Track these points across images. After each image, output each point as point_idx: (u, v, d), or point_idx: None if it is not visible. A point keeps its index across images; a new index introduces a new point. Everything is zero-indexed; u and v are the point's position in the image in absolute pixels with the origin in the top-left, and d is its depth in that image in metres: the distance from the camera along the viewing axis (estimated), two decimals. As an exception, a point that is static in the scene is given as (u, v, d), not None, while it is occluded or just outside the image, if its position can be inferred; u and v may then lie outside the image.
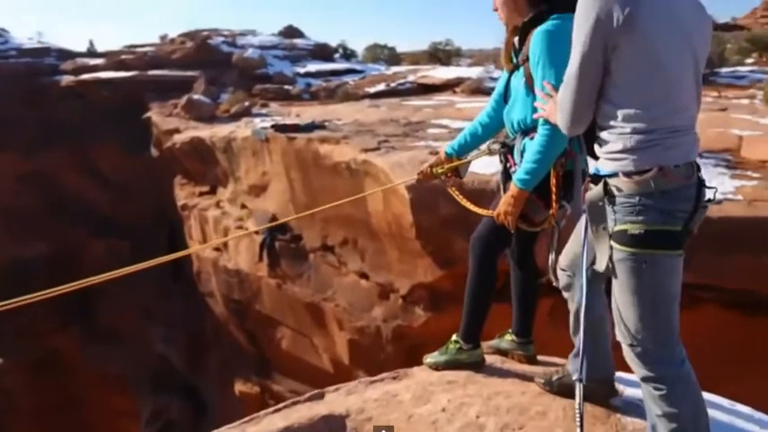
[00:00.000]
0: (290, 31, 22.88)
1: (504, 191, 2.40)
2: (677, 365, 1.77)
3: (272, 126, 11.31)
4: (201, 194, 14.56)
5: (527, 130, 2.34)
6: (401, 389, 2.55)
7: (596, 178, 1.83)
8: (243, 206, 12.51)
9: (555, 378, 2.40)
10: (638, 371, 1.80)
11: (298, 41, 22.07)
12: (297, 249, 10.65)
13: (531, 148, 2.26)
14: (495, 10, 2.40)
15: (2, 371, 20.52)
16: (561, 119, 1.86)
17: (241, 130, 12.56)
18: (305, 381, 10.97)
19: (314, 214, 10.17)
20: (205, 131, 13.91)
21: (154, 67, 19.49)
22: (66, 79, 20.04)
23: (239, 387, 13.28)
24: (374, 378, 2.72)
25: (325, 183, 9.58)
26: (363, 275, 9.40)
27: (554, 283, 2.28)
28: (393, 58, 23.50)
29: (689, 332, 2.03)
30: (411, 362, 2.94)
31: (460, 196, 2.65)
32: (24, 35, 24.01)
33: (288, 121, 11.79)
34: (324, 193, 9.66)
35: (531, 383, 2.48)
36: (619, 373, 2.34)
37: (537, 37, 2.20)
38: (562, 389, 2.35)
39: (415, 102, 14.24)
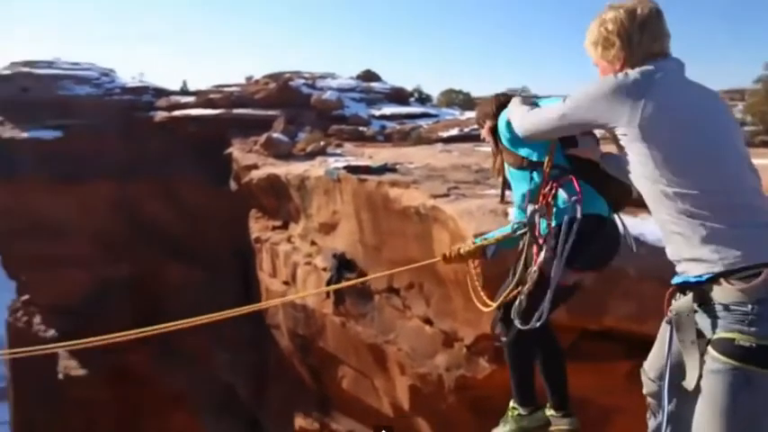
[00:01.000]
0: (368, 75, 23.65)
1: (527, 256, 2.42)
2: None
3: (345, 167, 11.63)
4: (274, 228, 15.07)
5: (532, 197, 2.38)
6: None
7: (685, 285, 1.63)
8: (313, 243, 12.83)
9: None
10: None
11: (374, 85, 22.77)
12: (363, 290, 10.76)
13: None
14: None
15: (84, 381, 21.69)
16: (518, 125, 2.10)
17: (315, 168, 13.00)
18: (364, 422, 10.91)
19: (381, 256, 10.31)
20: (281, 168, 14.48)
21: (238, 106, 20.64)
22: (160, 115, 21.59)
23: (299, 422, 13.37)
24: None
25: (394, 225, 9.69)
26: (428, 321, 9.34)
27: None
28: (467, 102, 23.75)
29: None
30: (474, 413, 2.89)
31: (476, 283, 2.64)
32: (128, 74, 26.27)
33: (360, 163, 12.09)
34: (392, 235, 9.77)
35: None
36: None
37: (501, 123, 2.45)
38: None
39: (488, 148, 14.21)
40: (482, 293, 2.55)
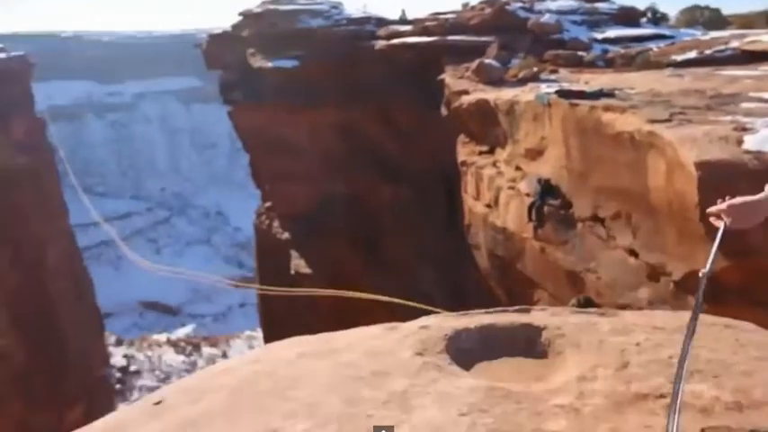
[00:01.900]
0: (593, -6, 21.86)
1: None
2: None
3: (556, 92, 11.30)
4: (480, 153, 15.40)
5: None
6: (603, 321, 2.71)
7: None
8: (517, 168, 12.90)
9: None
10: None
11: (600, 5, 20.99)
12: (566, 217, 10.67)
13: None
14: None
15: (310, 279, 25.27)
16: None
17: (525, 94, 12.83)
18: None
19: (587, 183, 10.05)
20: (491, 94, 14.55)
21: (453, 33, 20.85)
22: (380, 44, 22.92)
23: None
24: (580, 309, 2.94)
25: (604, 152, 9.33)
26: (632, 252, 9.01)
27: None
28: (715, 21, 20.58)
29: None
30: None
31: None
32: (354, 6, 28.24)
33: (574, 88, 11.62)
34: (601, 162, 9.43)
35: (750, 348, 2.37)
36: None
37: None
38: None
39: (733, 72, 12.45)
40: None
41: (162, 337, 61.69)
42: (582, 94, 10.65)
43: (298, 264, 28.04)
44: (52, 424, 36.56)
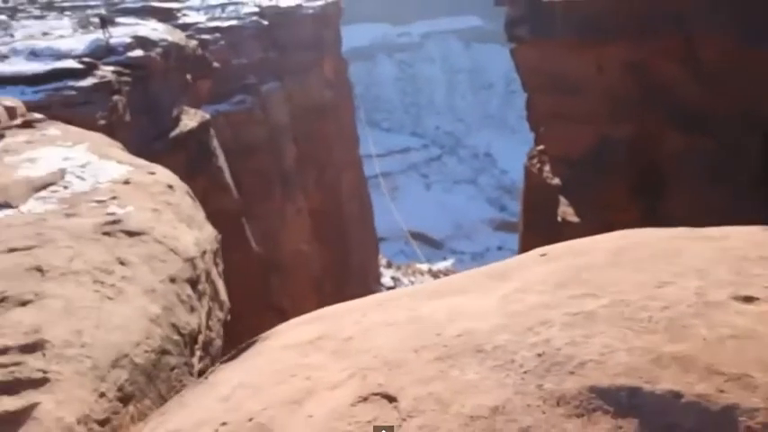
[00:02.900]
0: None
1: None
2: None
3: None
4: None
5: None
6: None
7: None
8: None
9: None
10: None
11: None
12: None
13: None
14: None
15: (578, 229, 24.32)
16: None
17: None
18: None
19: None
20: None
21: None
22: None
23: None
24: None
25: None
26: None
27: None
28: None
29: None
30: None
31: None
32: None
33: None
34: None
35: None
36: None
37: None
38: None
39: None
40: None
41: (424, 267, 66.94)
42: None
43: (565, 211, 27.07)
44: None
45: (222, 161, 28.64)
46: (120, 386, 3.44)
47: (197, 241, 5.63)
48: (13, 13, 28.59)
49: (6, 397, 2.95)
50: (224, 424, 2.20)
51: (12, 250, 4.33)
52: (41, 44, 18.02)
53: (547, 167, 28.91)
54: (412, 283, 62.78)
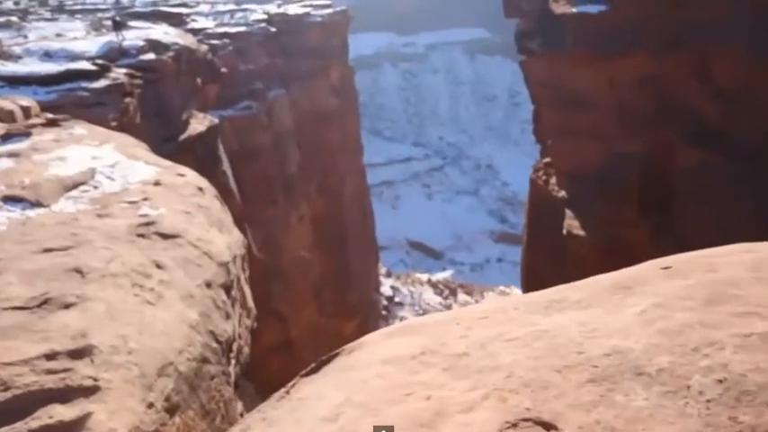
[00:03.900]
0: None
1: None
2: None
3: None
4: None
5: None
6: None
7: None
8: None
9: None
10: None
11: None
12: None
13: None
14: None
15: (583, 242, 24.22)
16: None
17: None
18: None
19: None
20: None
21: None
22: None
23: None
24: None
25: None
26: None
27: None
28: None
29: None
30: None
31: None
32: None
33: None
34: None
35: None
36: None
37: None
38: None
39: None
40: None
41: (424, 277, 66.72)
42: None
43: (571, 224, 26.98)
44: (335, 331, 43.12)
45: (227, 166, 28.55)
46: (167, 396, 3.29)
47: (229, 245, 5.49)
48: (24, 14, 28.58)
49: (59, 405, 2.81)
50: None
51: (48, 250, 4.18)
52: (55, 45, 17.95)
53: (553, 180, 28.86)
54: (411, 293, 62.55)
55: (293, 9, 41.70)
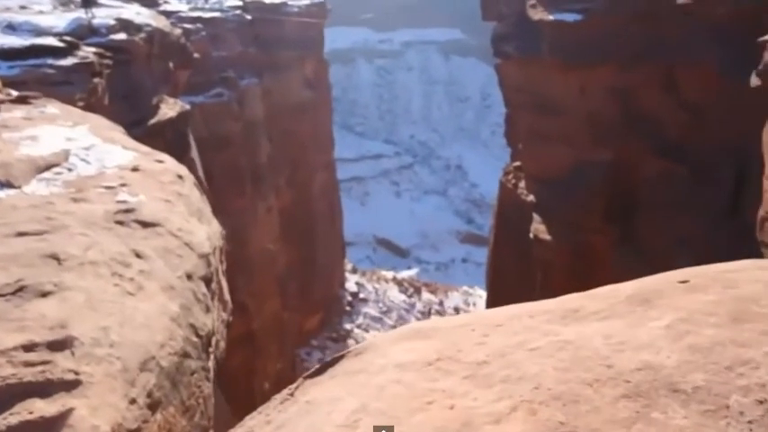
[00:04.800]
0: None
1: None
2: None
3: None
4: (803, 134, 12.83)
5: None
6: None
7: None
8: None
9: None
10: None
11: None
12: None
13: None
14: None
15: (549, 247, 24.64)
16: None
17: None
18: None
19: None
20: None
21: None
22: (681, -3, 20.15)
23: None
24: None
25: None
26: None
27: None
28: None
29: None
30: None
31: None
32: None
33: None
34: None
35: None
36: None
37: None
38: None
39: None
40: None
41: (389, 274, 66.85)
42: None
43: (538, 228, 27.43)
44: (297, 325, 42.79)
45: (195, 154, 27.95)
46: (149, 392, 3.16)
47: (209, 236, 5.34)
48: (-15, -18, 27.25)
49: (39, 400, 2.65)
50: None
51: (21, 234, 3.97)
52: (19, 18, 17.19)
53: (522, 184, 29.27)
54: (376, 290, 62.58)
55: (269, -3, 41.07)
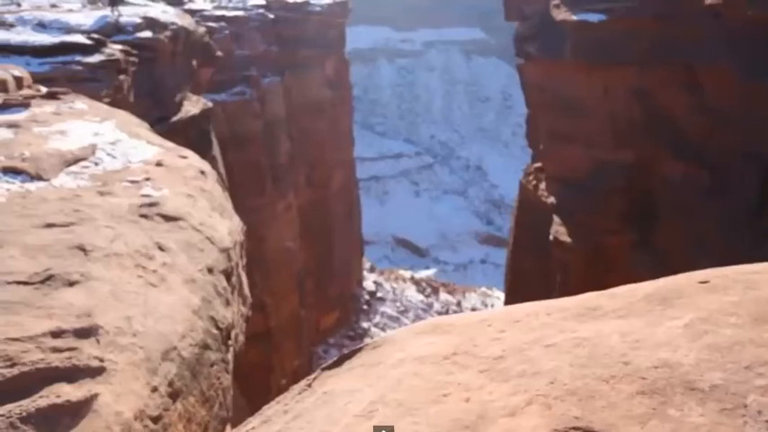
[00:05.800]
0: None
1: None
2: None
3: None
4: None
5: None
6: None
7: None
8: None
9: None
10: None
11: None
12: None
13: None
14: None
15: (569, 249, 24.42)
16: None
17: None
18: None
19: None
20: None
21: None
22: (709, -2, 19.78)
23: None
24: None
25: None
26: None
27: None
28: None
29: None
30: None
31: None
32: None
33: None
34: None
35: None
36: None
37: None
38: None
39: None
40: None
41: (407, 274, 66.84)
42: None
43: (558, 230, 27.19)
44: (314, 323, 43.01)
45: (217, 151, 28.27)
46: (170, 381, 3.24)
47: (230, 231, 5.42)
48: (16, -19, 27.92)
49: (66, 384, 2.74)
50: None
51: (50, 225, 4.09)
52: (49, 16, 17.57)
53: (542, 185, 29.03)
54: (393, 289, 62.62)
55: (292, -3, 41.34)
